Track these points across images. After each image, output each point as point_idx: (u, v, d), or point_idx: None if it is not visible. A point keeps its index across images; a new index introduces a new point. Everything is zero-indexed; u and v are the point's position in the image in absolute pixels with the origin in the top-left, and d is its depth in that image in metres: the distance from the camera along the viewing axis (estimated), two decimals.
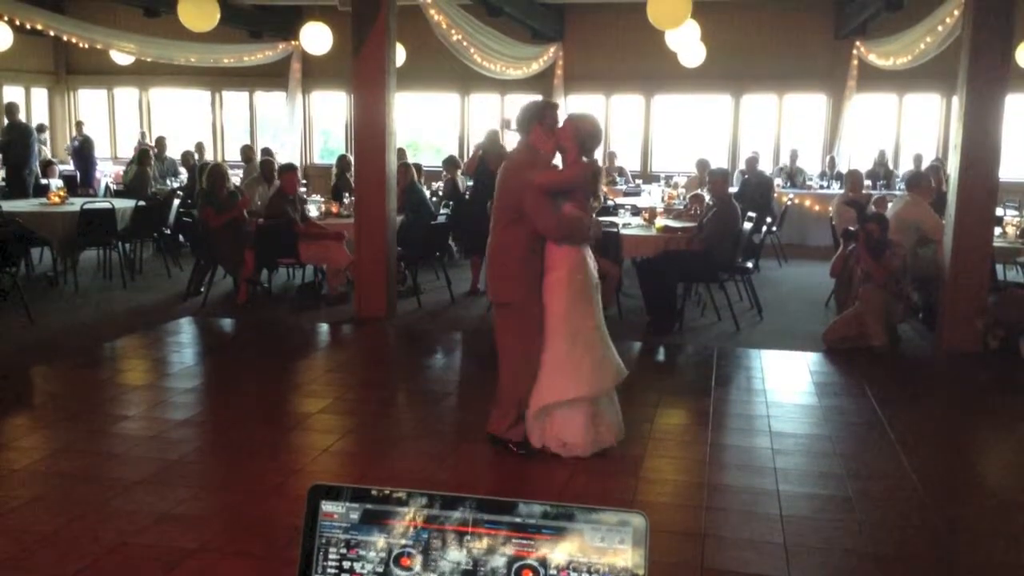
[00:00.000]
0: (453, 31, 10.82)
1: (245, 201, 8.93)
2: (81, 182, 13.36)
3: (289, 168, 8.95)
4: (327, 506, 1.10)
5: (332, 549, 1.08)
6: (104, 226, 9.29)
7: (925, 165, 12.34)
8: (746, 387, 6.32)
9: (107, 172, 14.99)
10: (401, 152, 10.56)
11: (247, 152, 13.05)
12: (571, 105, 14.48)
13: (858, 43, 13.54)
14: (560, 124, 4.73)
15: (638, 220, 8.82)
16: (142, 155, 12.32)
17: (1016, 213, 10.28)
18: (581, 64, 14.86)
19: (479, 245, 9.29)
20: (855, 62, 13.78)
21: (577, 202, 4.65)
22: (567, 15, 14.82)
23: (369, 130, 8.06)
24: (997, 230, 7.96)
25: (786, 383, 6.38)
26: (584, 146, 4.71)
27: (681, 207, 10.44)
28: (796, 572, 3.56)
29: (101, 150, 16.29)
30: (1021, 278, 9.16)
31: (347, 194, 10.10)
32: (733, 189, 10.65)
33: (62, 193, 10.21)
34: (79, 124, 15.40)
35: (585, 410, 4.65)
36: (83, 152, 14.08)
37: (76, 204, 9.44)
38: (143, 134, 15.72)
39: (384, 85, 7.96)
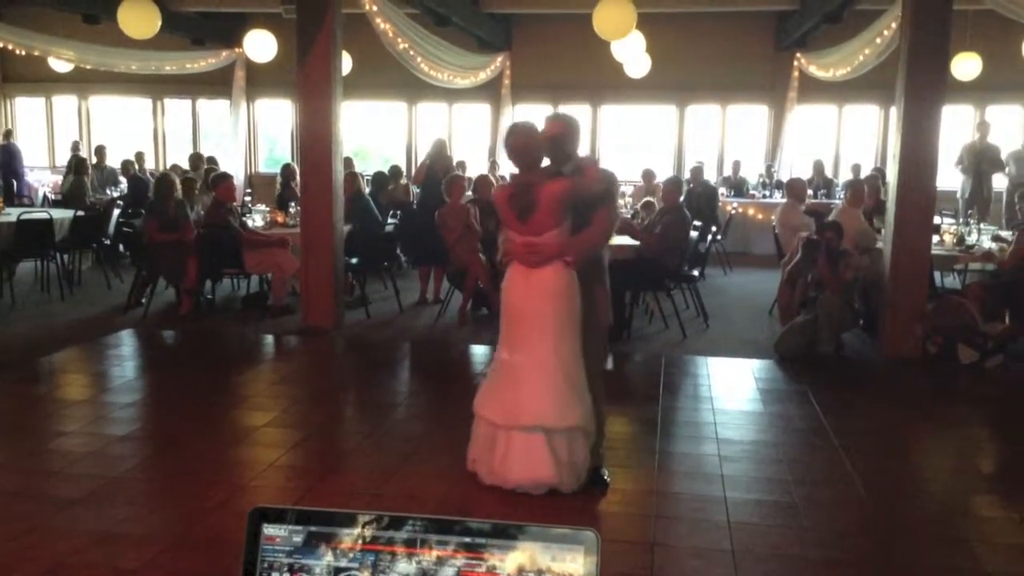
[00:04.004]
0: (400, 40, 10.78)
1: (189, 231, 8.61)
2: (6, 193, 12.94)
3: (223, 177, 8.81)
4: (269, 529, 1.07)
5: (275, 574, 1.05)
6: (41, 237, 9.06)
7: (864, 175, 12.61)
8: (693, 394, 6.37)
9: (45, 181, 14.65)
10: (348, 161, 10.48)
11: (195, 161, 12.86)
12: (518, 115, 14.51)
13: (799, 55, 13.80)
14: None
15: None
16: (79, 164, 12.05)
17: (953, 221, 10.53)
18: (528, 74, 14.92)
19: (427, 255, 9.30)
20: (796, 73, 14.05)
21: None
22: (514, 25, 14.88)
23: (315, 139, 7.98)
24: (935, 238, 8.15)
25: (732, 390, 6.44)
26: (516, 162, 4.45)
27: (628, 215, 10.50)
28: None
29: (39, 159, 15.92)
30: (958, 285, 9.39)
31: (293, 203, 10.00)
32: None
33: None
34: (7, 132, 15.01)
35: (478, 429, 4.50)
36: (9, 162, 13.70)
37: (12, 214, 9.20)
38: (75, 143, 15.29)
39: (330, 93, 7.89)
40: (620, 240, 8.34)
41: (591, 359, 4.41)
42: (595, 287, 4.41)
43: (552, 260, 4.27)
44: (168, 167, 13.83)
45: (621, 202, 11.79)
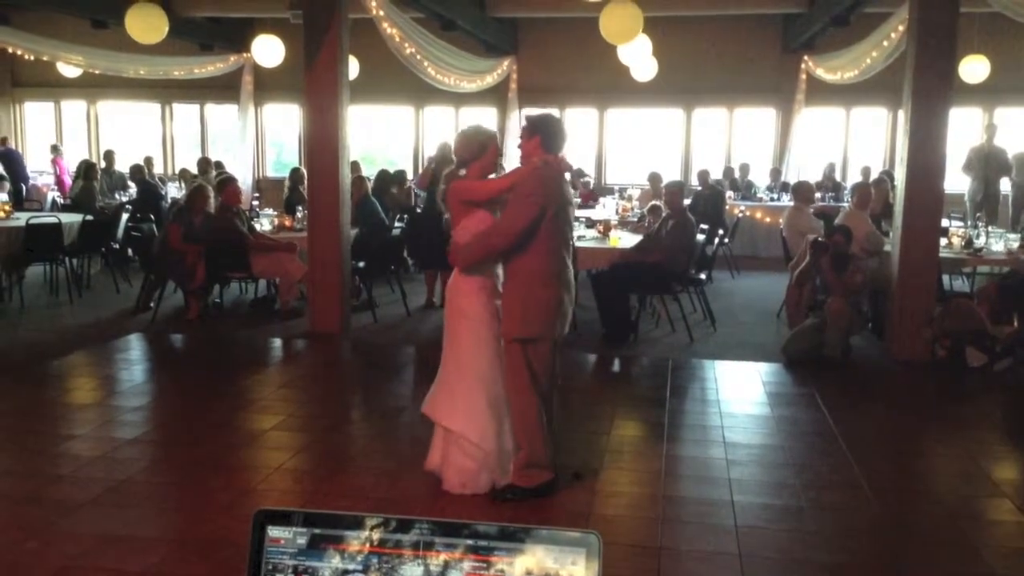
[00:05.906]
0: (406, 44, 10.79)
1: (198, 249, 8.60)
2: (15, 198, 12.93)
3: (228, 180, 8.84)
4: (273, 531, 1.07)
5: None
6: (50, 241, 9.10)
7: (873, 177, 12.58)
8: (700, 398, 6.37)
9: (53, 186, 14.69)
10: (355, 165, 10.49)
11: (203, 165, 12.88)
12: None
13: (806, 57, 13.78)
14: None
15: (593, 232, 8.85)
16: (88, 169, 12.08)
17: (961, 224, 10.49)
18: (535, 77, 14.93)
19: (434, 258, 9.29)
20: (803, 76, 14.02)
21: None
22: (520, 29, 14.89)
23: (322, 143, 8.00)
24: (943, 241, 8.12)
25: (739, 393, 6.43)
26: None
27: (635, 219, 10.51)
28: None
29: (48, 164, 15.95)
30: (966, 288, 9.36)
31: (300, 207, 10.01)
32: (686, 201, 10.73)
33: (7, 208, 9.99)
34: (3, 139, 15.04)
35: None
36: (11, 166, 13.72)
37: (22, 219, 9.24)
38: (54, 147, 15.21)
39: (337, 98, 7.91)
40: (627, 243, 8.37)
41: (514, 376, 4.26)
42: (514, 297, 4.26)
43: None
44: (177, 172, 13.88)
45: (628, 205, 11.80)
